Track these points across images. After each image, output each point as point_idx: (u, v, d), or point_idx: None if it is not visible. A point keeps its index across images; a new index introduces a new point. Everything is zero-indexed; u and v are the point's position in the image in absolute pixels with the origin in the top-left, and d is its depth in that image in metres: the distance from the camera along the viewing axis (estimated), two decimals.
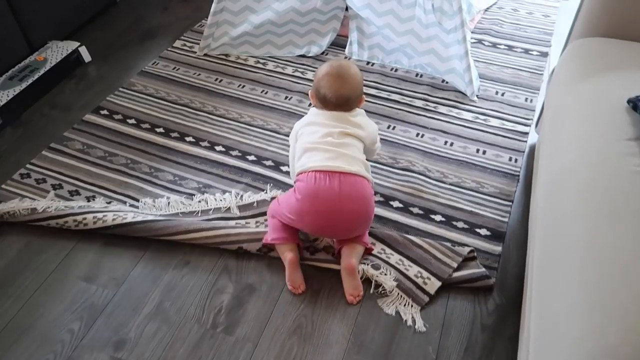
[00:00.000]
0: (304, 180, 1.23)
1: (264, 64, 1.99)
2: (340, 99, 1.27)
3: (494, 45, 2.07)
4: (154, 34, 2.19)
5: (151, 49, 2.09)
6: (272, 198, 1.43)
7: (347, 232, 1.27)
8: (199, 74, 1.94)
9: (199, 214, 1.43)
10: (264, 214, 1.40)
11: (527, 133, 1.68)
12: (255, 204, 1.45)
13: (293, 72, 1.95)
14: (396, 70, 1.95)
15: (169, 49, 2.08)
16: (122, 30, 2.22)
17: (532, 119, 1.73)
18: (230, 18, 1.98)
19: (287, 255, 1.26)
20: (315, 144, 1.25)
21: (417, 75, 1.92)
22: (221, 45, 2.03)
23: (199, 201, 1.46)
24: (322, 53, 2.02)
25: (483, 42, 2.08)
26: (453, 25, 1.73)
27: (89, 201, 1.46)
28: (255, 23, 1.99)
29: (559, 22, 2.20)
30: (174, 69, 1.97)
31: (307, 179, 1.22)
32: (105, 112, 1.79)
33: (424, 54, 1.85)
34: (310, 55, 2.03)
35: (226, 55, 2.04)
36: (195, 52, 2.04)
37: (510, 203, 1.45)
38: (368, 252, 1.31)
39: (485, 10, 2.26)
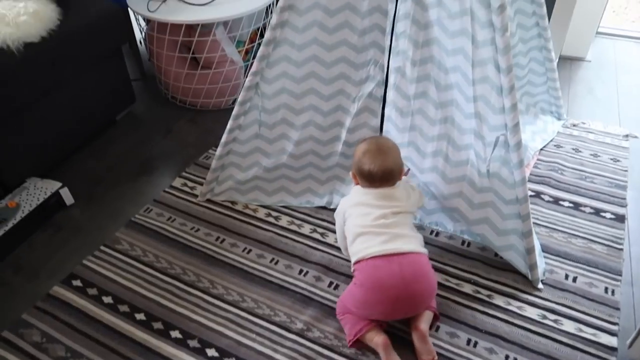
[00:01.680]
0: (364, 269, 1.25)
1: (276, 217, 1.66)
2: (386, 173, 1.31)
3: (556, 201, 1.71)
4: (152, 166, 1.89)
5: (146, 189, 1.78)
6: None
7: (417, 310, 1.29)
8: (198, 229, 1.61)
9: None
10: None
11: (614, 348, 1.29)
12: None
13: (311, 232, 1.60)
14: (437, 234, 1.60)
15: (167, 189, 1.77)
16: (116, 159, 1.93)
17: (617, 323, 1.34)
18: (238, 160, 1.67)
19: (378, 340, 1.25)
20: (367, 228, 1.28)
21: (463, 243, 1.56)
22: (227, 190, 1.71)
23: None
24: None
25: (542, 195, 1.73)
26: (513, 196, 1.39)
27: None
28: (268, 166, 1.68)
29: (632, 169, 1.84)
30: (169, 219, 1.65)
31: (367, 267, 1.25)
32: (78, 282, 1.45)
33: (476, 223, 1.49)
34: (332, 207, 1.69)
35: (232, 202, 1.72)
36: (197, 196, 1.73)
37: None
38: (436, 317, 1.34)
39: (541, 150, 1.93)
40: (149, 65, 2.42)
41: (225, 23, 1.98)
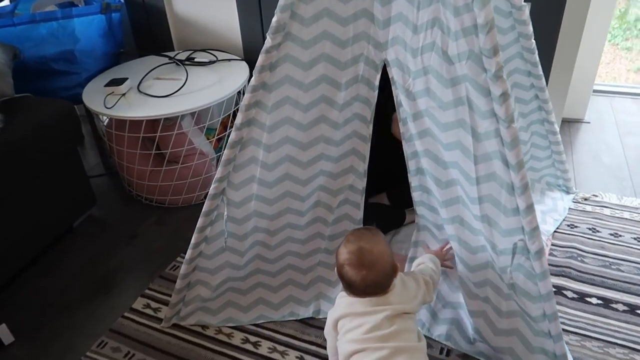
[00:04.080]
0: None
1: (255, 344, 1.38)
2: (369, 287, 1.08)
3: (582, 297, 1.47)
4: (110, 283, 1.63)
5: (102, 314, 1.51)
6: None
7: None
8: None
9: None
10: None
11: None
12: None
13: (297, 359, 1.35)
14: (448, 353, 1.34)
15: (126, 314, 1.50)
16: (70, 275, 1.66)
17: None
18: (206, 277, 1.41)
19: None
20: (362, 343, 1.06)
21: None
22: (195, 311, 1.45)
23: None
24: None
25: (564, 291, 1.48)
26: (540, 312, 1.15)
27: None
28: (240, 276, 1.43)
29: None
30: (126, 355, 1.38)
31: None
32: None
33: (504, 334, 1.23)
34: (320, 317, 1.44)
35: (203, 327, 1.45)
36: (162, 321, 1.47)
37: None
38: None
39: (555, 233, 1.70)
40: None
41: (192, 114, 1.79)
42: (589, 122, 2.35)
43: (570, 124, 2.34)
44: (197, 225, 1.34)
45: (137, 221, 1.90)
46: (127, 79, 1.84)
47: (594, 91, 2.48)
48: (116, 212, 1.97)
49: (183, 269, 1.38)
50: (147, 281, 1.61)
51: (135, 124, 1.75)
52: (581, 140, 2.23)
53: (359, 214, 1.39)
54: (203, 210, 1.32)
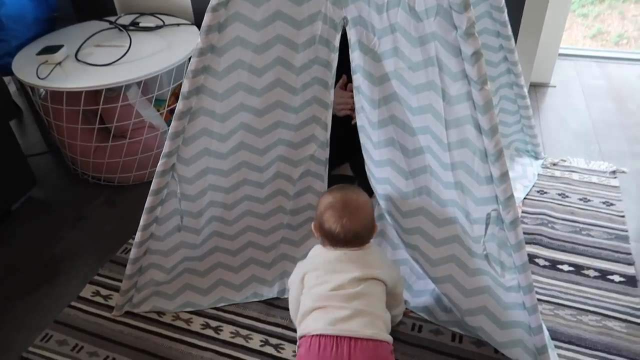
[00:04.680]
0: (305, 349, 1.03)
1: (216, 329, 1.29)
2: (348, 235, 1.08)
3: (553, 264, 1.43)
4: (55, 270, 1.49)
5: (46, 305, 1.38)
6: None
7: None
8: None
9: None
10: None
11: None
12: None
13: (262, 345, 1.24)
14: (420, 329, 1.28)
15: (73, 303, 1.38)
16: (8, 264, 1.51)
17: None
18: (159, 260, 1.30)
19: None
20: (325, 300, 1.05)
21: (454, 338, 1.25)
22: (149, 297, 1.34)
23: None
24: None
25: (536, 259, 1.44)
26: (515, 282, 1.09)
27: None
28: (197, 254, 1.33)
29: (629, 214, 1.59)
30: (74, 348, 1.25)
31: (309, 348, 1.02)
32: None
33: (470, 313, 1.19)
34: (286, 296, 1.35)
35: (159, 313, 1.35)
36: (113, 309, 1.35)
37: None
38: None
39: (524, 200, 1.66)
40: None
41: (138, 83, 1.64)
42: (554, 86, 2.31)
43: (536, 88, 2.29)
44: (146, 206, 1.22)
45: (84, 202, 1.75)
46: (62, 46, 1.66)
47: (559, 55, 2.43)
48: (60, 193, 1.81)
49: (133, 252, 1.26)
50: (97, 267, 1.48)
51: (74, 95, 1.58)
52: (548, 105, 2.19)
53: (323, 187, 1.30)
54: (151, 188, 1.20)
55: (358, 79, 1.13)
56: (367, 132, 1.19)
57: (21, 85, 1.79)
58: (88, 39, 1.76)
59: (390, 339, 1.06)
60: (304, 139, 1.24)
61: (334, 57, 1.15)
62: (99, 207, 1.73)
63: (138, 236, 1.25)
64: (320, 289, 1.07)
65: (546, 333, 1.18)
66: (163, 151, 1.17)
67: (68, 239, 1.60)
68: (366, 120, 1.18)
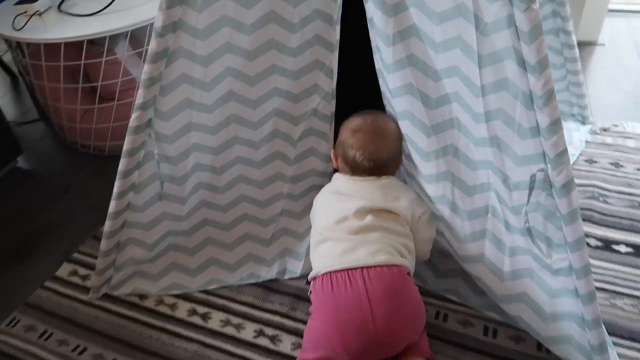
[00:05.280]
0: (318, 291, 0.92)
1: (204, 316, 1.10)
2: (376, 163, 0.97)
3: (607, 245, 1.19)
4: (33, 246, 1.33)
5: (18, 285, 1.22)
6: None
7: (392, 348, 0.92)
8: (84, 350, 1.05)
9: None
10: None
11: None
12: None
13: (255, 336, 1.05)
14: (445, 317, 1.06)
15: (47, 283, 1.22)
16: None
17: None
18: (139, 235, 1.11)
19: None
20: (328, 232, 0.95)
21: (486, 331, 1.03)
22: (129, 277, 1.16)
23: None
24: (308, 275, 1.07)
25: (587, 239, 1.20)
26: (565, 264, 0.87)
27: None
28: (185, 229, 1.14)
29: None
30: (41, 336, 1.08)
31: (322, 288, 0.91)
32: None
33: (507, 300, 0.97)
34: (287, 277, 1.17)
35: (141, 296, 1.17)
36: (90, 291, 1.18)
37: None
38: None
39: None
40: None
41: (125, 35, 1.45)
42: (603, 44, 2.03)
43: (583, 47, 2.00)
44: (120, 169, 1.03)
45: (71, 172, 1.59)
46: None
47: (609, 10, 2.14)
48: (46, 163, 1.65)
49: (107, 225, 1.08)
50: (77, 243, 1.32)
51: (54, 49, 1.40)
52: (596, 66, 1.91)
53: (329, 148, 1.09)
54: (124, 148, 1.01)
55: (370, 9, 0.91)
56: (384, 77, 0.97)
57: (9, 46, 1.62)
58: None
59: (407, 264, 0.93)
60: (305, 89, 1.03)
61: None
62: (87, 178, 1.56)
63: (112, 206, 1.06)
64: (325, 220, 0.98)
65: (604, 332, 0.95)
66: (136, 102, 0.97)
67: (50, 212, 1.44)
68: (381, 62, 0.96)
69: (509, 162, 0.85)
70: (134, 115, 0.98)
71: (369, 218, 0.93)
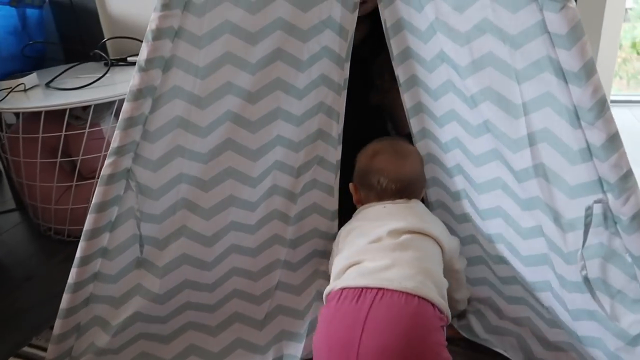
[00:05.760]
0: (328, 300, 0.84)
1: None
2: (402, 184, 0.91)
3: None
4: None
5: None
6: None
7: None
8: None
9: None
10: None
11: None
12: None
13: None
14: None
15: None
16: None
17: None
18: (105, 312, 0.90)
19: None
20: (361, 255, 0.84)
21: None
22: None
23: None
24: None
25: None
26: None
27: None
28: (160, 313, 0.92)
29: None
30: None
31: (332, 298, 0.83)
32: None
33: None
34: None
35: None
36: None
37: None
38: None
39: None
40: None
41: (110, 107, 1.36)
42: None
43: None
44: (85, 228, 0.86)
45: (39, 260, 1.40)
46: (32, 72, 1.44)
47: (613, 102, 2.15)
48: (14, 252, 1.47)
49: (66, 301, 0.88)
50: (31, 335, 1.10)
51: (33, 120, 1.30)
52: None
53: (333, 203, 0.94)
54: (93, 202, 0.85)
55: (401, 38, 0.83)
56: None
57: None
58: (68, 69, 1.54)
59: (439, 301, 0.79)
60: (308, 135, 0.91)
61: (351, 19, 0.86)
62: (56, 266, 1.37)
63: (73, 275, 0.88)
64: (355, 245, 0.88)
65: None
66: (111, 145, 0.84)
67: (7, 301, 1.24)
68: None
69: (559, 196, 0.70)
70: (107, 162, 0.84)
71: (404, 237, 0.84)
